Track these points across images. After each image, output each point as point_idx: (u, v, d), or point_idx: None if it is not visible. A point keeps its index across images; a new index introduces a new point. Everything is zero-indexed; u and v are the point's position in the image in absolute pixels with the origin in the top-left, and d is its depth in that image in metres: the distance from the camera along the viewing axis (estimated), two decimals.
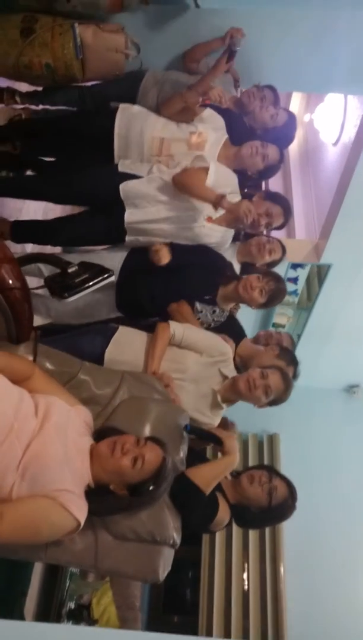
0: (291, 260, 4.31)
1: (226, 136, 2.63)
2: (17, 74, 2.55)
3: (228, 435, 2.00)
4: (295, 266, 4.39)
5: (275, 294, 2.47)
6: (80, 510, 1.45)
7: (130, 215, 2.45)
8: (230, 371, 2.26)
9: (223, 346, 2.26)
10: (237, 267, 2.68)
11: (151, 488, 1.55)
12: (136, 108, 2.62)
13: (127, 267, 2.45)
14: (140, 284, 2.42)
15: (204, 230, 2.47)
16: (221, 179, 2.47)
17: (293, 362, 2.49)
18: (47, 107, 3.21)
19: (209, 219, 2.47)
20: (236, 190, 2.54)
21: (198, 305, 2.42)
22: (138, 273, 2.45)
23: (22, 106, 3.16)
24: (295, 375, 2.49)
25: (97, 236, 2.59)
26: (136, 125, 2.54)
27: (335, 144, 4.59)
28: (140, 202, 2.44)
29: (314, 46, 2.91)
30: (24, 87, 3.02)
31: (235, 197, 2.51)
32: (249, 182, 2.63)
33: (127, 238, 2.50)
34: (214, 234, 2.50)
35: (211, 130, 2.56)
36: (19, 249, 2.88)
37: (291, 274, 4.44)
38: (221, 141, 2.59)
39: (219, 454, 2.00)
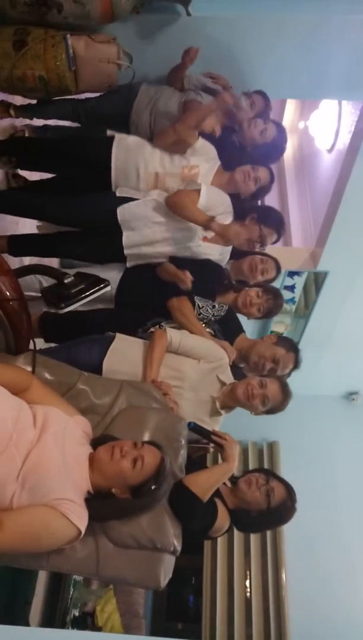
0: (288, 268, 4.33)
1: (218, 163, 2.67)
2: (10, 87, 2.57)
3: (231, 442, 2.01)
4: (291, 274, 4.41)
5: (272, 311, 2.58)
6: (80, 518, 1.46)
7: (127, 239, 2.49)
8: (227, 377, 2.27)
9: (219, 351, 2.27)
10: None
11: (153, 488, 1.57)
12: (131, 140, 2.65)
13: (125, 284, 2.51)
14: (139, 299, 2.47)
15: (201, 249, 2.52)
16: (213, 200, 2.51)
17: (293, 348, 2.48)
18: (48, 123, 3.25)
19: (205, 239, 2.53)
20: (228, 210, 2.58)
21: (198, 301, 2.44)
22: (136, 289, 2.50)
23: (23, 124, 3.19)
24: (297, 363, 2.47)
25: (98, 258, 2.64)
26: (132, 159, 2.58)
27: (330, 150, 4.61)
28: (136, 225, 2.49)
29: (307, 52, 2.92)
30: (18, 100, 3.05)
31: (227, 218, 2.56)
32: (243, 204, 2.67)
33: (128, 264, 2.56)
34: (212, 252, 2.55)
35: (203, 161, 2.61)
36: (16, 261, 2.90)
37: (288, 281, 4.46)
38: (213, 170, 2.64)
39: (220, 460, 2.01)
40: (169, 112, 2.78)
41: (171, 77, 2.92)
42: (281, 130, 2.85)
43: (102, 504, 1.55)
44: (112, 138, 2.63)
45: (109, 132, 2.67)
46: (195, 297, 2.43)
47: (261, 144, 2.77)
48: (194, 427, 2.03)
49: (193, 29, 2.82)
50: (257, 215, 2.56)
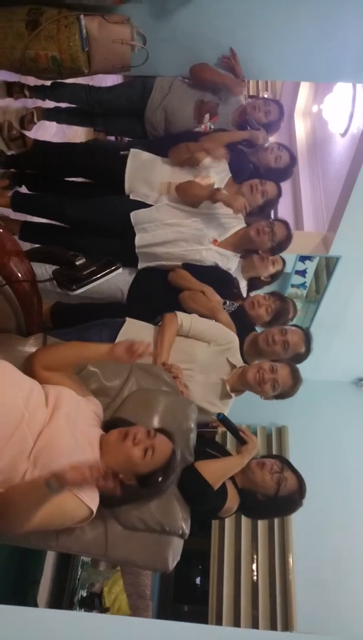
0: (299, 253, 4.31)
1: (229, 176, 2.76)
2: (23, 67, 2.55)
3: (255, 442, 2.02)
4: (303, 259, 4.38)
5: (280, 313, 2.60)
6: (92, 499, 1.47)
7: (140, 240, 2.55)
8: (237, 360, 2.28)
9: (229, 334, 2.28)
10: (243, 285, 2.78)
11: (159, 479, 1.57)
12: (145, 155, 2.73)
13: (137, 288, 2.55)
14: (150, 304, 2.47)
15: (211, 253, 2.56)
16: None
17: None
18: (60, 105, 3.24)
19: (216, 242, 2.57)
20: (238, 216, 2.63)
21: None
22: (147, 293, 2.54)
23: (34, 106, 3.18)
24: (309, 347, 2.47)
25: (109, 254, 2.64)
26: (145, 173, 2.68)
27: (344, 134, 4.56)
28: (149, 227, 2.55)
29: (322, 34, 2.88)
30: (31, 81, 3.03)
31: (239, 223, 2.64)
32: (250, 217, 2.72)
33: (139, 265, 2.60)
34: (220, 257, 2.59)
35: (214, 173, 2.68)
36: (27, 247, 2.90)
37: (300, 266, 4.43)
38: (224, 182, 2.72)
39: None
40: (183, 111, 2.91)
41: (199, 76, 2.98)
42: (293, 159, 2.96)
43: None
44: (126, 156, 2.71)
45: (122, 153, 2.74)
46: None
47: (273, 169, 2.88)
48: (223, 419, 2.05)
49: (207, 10, 2.79)
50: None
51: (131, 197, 2.66)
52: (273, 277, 2.80)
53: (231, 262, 2.65)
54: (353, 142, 4.05)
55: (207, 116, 2.88)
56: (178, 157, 2.67)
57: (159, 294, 2.51)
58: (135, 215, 2.57)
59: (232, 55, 2.93)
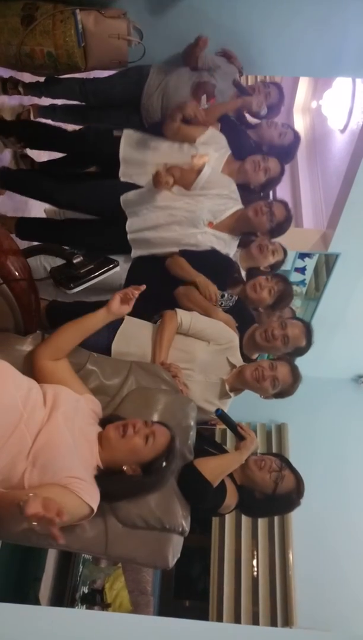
0: (298, 250, 4.30)
1: (228, 153, 2.66)
2: (19, 63, 2.53)
3: (253, 438, 2.02)
4: (302, 256, 4.37)
5: (283, 295, 2.52)
6: (92, 497, 1.47)
7: (131, 224, 2.48)
8: (237, 360, 2.26)
9: (230, 333, 2.26)
10: (242, 275, 2.68)
11: (163, 464, 1.58)
12: (139, 135, 2.65)
13: (133, 277, 2.46)
14: (148, 292, 2.42)
15: (207, 237, 2.47)
16: (218, 177, 2.52)
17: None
18: (55, 103, 3.22)
19: (211, 225, 2.49)
20: (234, 197, 2.56)
21: None
22: (144, 282, 2.45)
23: (30, 103, 3.16)
24: (310, 340, 2.43)
25: (103, 246, 2.59)
26: (139, 153, 2.59)
27: (343, 130, 4.53)
28: (140, 210, 2.47)
29: (321, 29, 2.86)
30: (26, 78, 3.01)
31: (235, 205, 2.55)
32: (252, 195, 2.66)
33: (132, 254, 2.53)
34: (217, 241, 2.50)
35: (212, 150, 2.59)
36: (25, 242, 2.89)
37: (299, 263, 4.42)
38: (223, 159, 2.63)
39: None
40: (180, 94, 2.78)
41: (185, 57, 2.89)
42: (297, 138, 2.86)
43: (112, 481, 1.56)
44: (119, 137, 2.63)
45: (116, 133, 2.66)
46: None
47: (277, 146, 2.79)
48: (221, 415, 2.04)
49: (205, 4, 2.76)
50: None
51: (122, 179, 2.57)
52: (273, 268, 2.69)
53: (229, 246, 2.55)
54: (353, 138, 4.03)
55: (204, 97, 2.80)
56: (170, 129, 2.55)
57: (156, 283, 2.41)
58: (125, 198, 2.48)
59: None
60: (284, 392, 2.23)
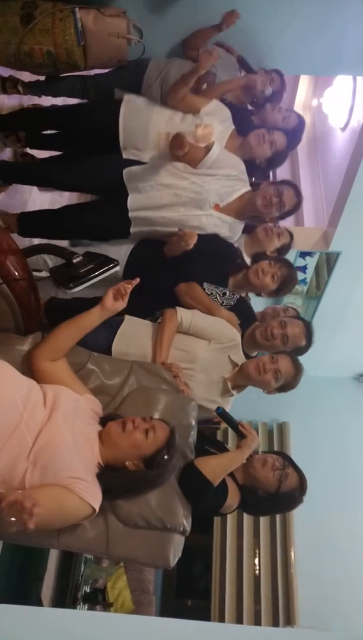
0: (299, 249, 4.28)
1: (232, 127, 2.58)
2: (18, 62, 2.53)
3: (254, 436, 2.00)
4: (303, 254, 4.36)
5: (287, 280, 2.44)
6: (94, 497, 1.47)
7: (133, 200, 2.39)
8: (239, 358, 2.24)
9: (231, 332, 2.24)
10: (247, 261, 2.61)
11: (165, 457, 1.59)
12: (140, 100, 2.58)
13: (134, 261, 2.41)
14: (149, 276, 2.38)
15: (212, 220, 2.40)
16: (226, 157, 2.42)
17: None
18: (56, 103, 3.21)
19: (217, 207, 2.40)
20: (243, 178, 2.47)
21: (206, 287, 2.36)
22: (145, 267, 2.38)
23: (30, 103, 3.15)
24: (310, 339, 2.40)
25: (104, 225, 2.54)
26: (140, 119, 2.50)
27: (344, 128, 4.52)
28: (143, 187, 2.38)
29: (322, 27, 2.86)
30: (26, 77, 3.00)
31: (243, 186, 2.45)
32: (258, 172, 2.60)
33: (131, 229, 2.45)
34: (222, 224, 2.43)
35: (217, 122, 2.50)
36: (26, 242, 2.88)
37: (300, 262, 4.41)
38: (227, 132, 2.54)
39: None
40: None
41: (190, 42, 2.83)
42: (302, 121, 2.77)
43: (115, 478, 1.56)
44: (120, 101, 2.56)
45: (117, 96, 2.59)
46: (204, 284, 2.36)
47: (282, 130, 2.68)
48: (222, 413, 2.03)
49: (205, 3, 2.76)
50: (273, 182, 2.50)
51: (124, 155, 2.48)
52: (280, 252, 2.58)
53: (233, 230, 2.47)
54: (354, 136, 4.02)
55: (205, 86, 2.78)
56: (175, 95, 2.46)
57: (155, 271, 2.37)
58: (128, 172, 2.39)
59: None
60: (287, 385, 2.21)
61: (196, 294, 2.30)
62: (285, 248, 2.59)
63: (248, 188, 2.48)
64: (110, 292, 1.68)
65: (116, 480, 1.57)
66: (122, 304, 1.69)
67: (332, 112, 4.77)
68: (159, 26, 2.81)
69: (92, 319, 1.70)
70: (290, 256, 4.14)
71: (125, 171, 2.40)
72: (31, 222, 2.68)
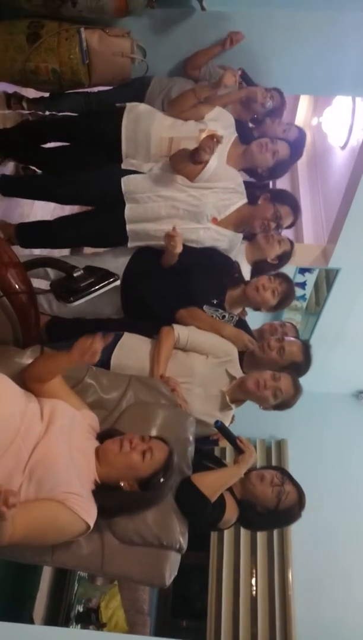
0: (299, 265, 4.30)
1: (235, 134, 2.58)
2: (24, 79, 2.57)
3: (252, 451, 1.99)
4: (303, 271, 4.37)
5: (286, 296, 2.43)
6: (88, 513, 1.46)
7: (130, 211, 2.37)
8: (237, 371, 2.24)
9: (228, 346, 2.25)
10: (247, 270, 2.59)
11: (161, 480, 1.56)
12: (142, 107, 2.57)
13: (131, 270, 2.39)
14: (146, 287, 2.37)
15: (209, 233, 2.39)
16: (224, 169, 2.42)
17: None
18: (54, 113, 3.24)
19: (215, 220, 2.40)
20: (240, 190, 2.47)
21: (206, 310, 2.35)
22: (142, 276, 2.38)
23: (28, 111, 3.18)
24: (308, 359, 2.40)
25: (102, 235, 2.53)
26: (142, 125, 2.49)
27: (343, 147, 4.57)
28: (141, 197, 2.37)
29: (321, 48, 2.91)
30: (31, 93, 3.04)
31: (240, 199, 2.46)
32: (259, 181, 2.59)
33: (129, 244, 2.44)
34: (221, 238, 2.43)
35: (221, 127, 2.48)
36: (26, 252, 2.89)
37: (299, 278, 4.42)
38: (230, 139, 2.53)
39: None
40: None
41: (192, 61, 2.87)
42: (302, 134, 2.77)
43: (109, 497, 1.55)
44: (123, 108, 2.55)
45: (119, 104, 2.60)
46: (204, 307, 2.34)
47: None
48: (220, 427, 2.02)
49: (207, 24, 2.82)
50: (271, 195, 2.47)
51: (123, 166, 2.48)
52: (281, 259, 2.55)
53: (231, 243, 2.46)
54: (353, 154, 4.06)
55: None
56: (181, 105, 2.48)
57: (154, 278, 2.36)
58: (126, 181, 2.38)
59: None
60: (284, 404, 2.21)
61: (198, 316, 2.29)
62: (286, 256, 2.56)
63: (245, 200, 2.48)
64: (79, 347, 1.57)
65: (111, 500, 1.55)
66: (90, 360, 1.58)
67: (332, 131, 4.82)
68: (162, 46, 2.87)
69: (60, 364, 1.63)
70: (289, 272, 4.15)
71: (123, 179, 2.39)
72: (30, 232, 2.67)
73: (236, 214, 2.44)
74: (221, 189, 2.39)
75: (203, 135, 2.34)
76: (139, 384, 1.93)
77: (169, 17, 2.82)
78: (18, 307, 1.63)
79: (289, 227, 2.53)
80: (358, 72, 3.00)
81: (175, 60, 2.95)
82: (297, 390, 2.20)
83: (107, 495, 1.54)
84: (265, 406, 2.21)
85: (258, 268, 2.58)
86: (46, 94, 3.07)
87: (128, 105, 2.57)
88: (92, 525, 1.47)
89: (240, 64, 2.95)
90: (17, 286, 1.60)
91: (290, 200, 2.52)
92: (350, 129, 4.40)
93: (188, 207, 2.35)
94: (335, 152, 4.81)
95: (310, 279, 4.44)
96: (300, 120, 5.90)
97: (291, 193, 2.65)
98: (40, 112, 3.17)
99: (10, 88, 3.03)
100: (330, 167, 4.97)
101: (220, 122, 2.52)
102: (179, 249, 2.22)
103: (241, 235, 2.52)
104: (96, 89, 2.89)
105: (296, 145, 2.66)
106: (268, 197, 2.47)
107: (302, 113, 5.87)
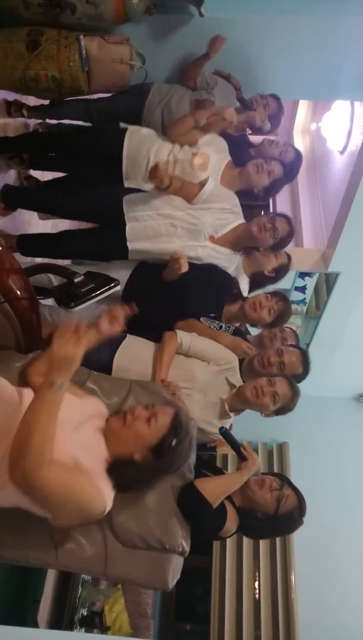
0: (299, 269, 4.32)
1: (229, 158, 2.65)
2: (24, 87, 2.59)
3: (255, 459, 2.00)
4: (302, 275, 4.39)
5: (283, 314, 2.50)
6: (106, 493, 1.43)
7: (131, 230, 2.43)
8: (237, 380, 2.26)
9: (229, 354, 2.26)
10: (246, 282, 2.65)
11: (173, 443, 1.54)
12: (144, 131, 2.64)
13: (132, 284, 2.43)
14: (146, 300, 2.36)
15: (207, 251, 2.45)
16: (220, 191, 2.50)
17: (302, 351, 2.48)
18: (61, 122, 3.27)
19: (212, 238, 2.45)
20: (236, 211, 2.54)
21: (204, 322, 2.39)
22: (143, 290, 2.42)
23: (37, 121, 3.20)
24: (307, 368, 2.42)
25: (103, 250, 2.58)
26: (143, 149, 2.56)
27: (342, 152, 4.59)
28: (141, 216, 2.43)
29: (320, 53, 2.92)
30: (31, 101, 3.06)
31: (236, 219, 2.53)
32: (254, 201, 2.65)
33: (129, 258, 2.49)
34: (217, 255, 2.48)
35: (213, 152, 2.57)
36: (28, 260, 2.91)
37: (299, 282, 4.44)
38: (223, 163, 2.61)
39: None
40: (181, 110, 2.78)
41: (185, 73, 2.91)
42: (299, 156, 2.83)
43: (126, 470, 1.51)
44: (125, 130, 2.61)
45: (122, 125, 2.65)
46: (201, 319, 2.38)
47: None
48: (225, 433, 2.02)
49: (205, 30, 2.82)
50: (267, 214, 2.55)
51: (126, 185, 2.55)
52: (278, 273, 2.62)
53: (229, 261, 2.52)
54: (352, 159, 4.08)
55: (204, 122, 2.84)
56: (181, 128, 2.54)
57: (155, 290, 2.41)
58: (128, 200, 2.44)
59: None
60: (285, 408, 2.22)
61: (196, 327, 2.32)
62: (283, 269, 2.63)
63: (241, 221, 2.54)
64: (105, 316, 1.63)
65: (128, 473, 1.51)
66: (118, 328, 1.64)
67: (331, 136, 4.85)
68: (161, 53, 2.89)
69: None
70: (290, 276, 4.17)
71: (125, 198, 2.45)
72: (31, 243, 2.73)
73: (232, 232, 2.50)
74: (218, 209, 2.47)
75: (195, 158, 2.44)
76: (140, 389, 1.94)
77: (168, 24, 2.84)
78: (19, 313, 1.64)
79: (286, 238, 2.55)
80: (357, 77, 3.01)
81: (174, 66, 2.96)
82: (295, 392, 2.21)
83: (123, 470, 1.51)
84: (267, 413, 2.22)
85: (256, 281, 2.64)
86: (47, 102, 3.09)
87: (130, 127, 2.63)
88: (108, 506, 1.43)
89: (238, 70, 2.97)
90: (18, 292, 1.61)
91: (285, 216, 2.58)
92: (348, 133, 4.43)
93: (186, 226, 2.41)
94: (334, 157, 4.83)
95: (310, 283, 4.46)
96: (299, 125, 5.93)
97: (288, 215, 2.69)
98: (41, 120, 3.19)
99: (11, 96, 3.05)
100: (329, 172, 5.00)
101: (213, 146, 2.59)
102: (184, 270, 2.28)
103: (238, 255, 2.58)
104: (95, 96, 2.91)
105: (292, 167, 2.74)
106: (264, 213, 2.59)
107: (301, 118, 5.89)
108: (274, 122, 2.96)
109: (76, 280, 1.57)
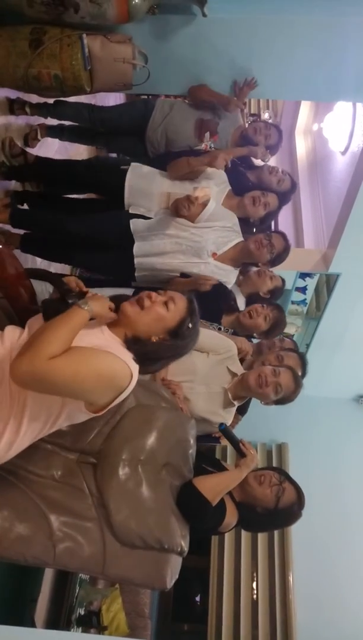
0: (300, 270, 4.33)
1: (228, 188, 2.77)
2: (26, 85, 2.58)
3: (254, 455, 2.01)
4: (303, 275, 4.40)
5: (278, 323, 2.60)
6: (130, 361, 1.43)
7: (138, 248, 2.54)
8: (237, 368, 2.30)
9: (228, 342, 2.30)
10: (242, 302, 2.76)
11: (190, 326, 1.55)
12: (145, 168, 2.75)
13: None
14: None
15: (209, 267, 2.54)
16: (221, 211, 2.62)
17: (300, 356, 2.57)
18: (63, 123, 3.28)
19: (214, 255, 2.56)
20: (236, 230, 2.65)
21: (203, 323, 2.42)
22: None
23: (37, 123, 3.21)
24: (305, 371, 2.51)
25: (110, 266, 2.70)
26: (144, 183, 2.68)
27: (344, 152, 4.60)
28: (148, 235, 2.55)
29: (322, 54, 2.92)
30: (34, 98, 3.07)
31: (237, 237, 2.64)
32: (250, 229, 2.76)
33: (136, 274, 2.58)
34: (219, 272, 2.57)
35: (213, 185, 2.70)
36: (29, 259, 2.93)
37: (300, 283, 4.45)
38: (224, 193, 2.75)
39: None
40: (183, 130, 2.94)
41: (195, 96, 3.02)
42: (294, 186, 2.95)
43: (145, 345, 1.51)
44: (126, 169, 2.73)
45: (123, 167, 2.76)
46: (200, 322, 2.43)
47: (274, 191, 2.85)
48: (224, 430, 2.04)
49: (208, 30, 2.83)
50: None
51: (131, 211, 2.66)
52: (272, 294, 2.77)
53: (229, 277, 2.63)
54: (354, 159, 4.08)
55: (208, 134, 2.92)
56: (177, 172, 2.69)
57: None
58: (134, 223, 2.56)
59: (246, 85, 3.00)
60: (285, 399, 2.25)
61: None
62: (278, 291, 2.79)
63: (241, 238, 2.65)
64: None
65: (147, 348, 1.50)
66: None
67: (332, 137, 4.86)
68: (164, 52, 2.88)
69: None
70: (290, 277, 4.18)
71: (132, 222, 2.57)
72: (34, 245, 2.79)
73: (233, 250, 2.62)
74: (220, 227, 2.59)
75: (197, 192, 2.58)
76: (140, 388, 1.93)
77: (171, 24, 2.84)
78: (20, 313, 1.63)
79: (282, 254, 2.65)
80: (359, 78, 3.01)
81: (176, 66, 2.96)
82: (297, 385, 2.24)
83: (142, 345, 1.50)
84: (267, 402, 2.25)
85: (252, 301, 2.75)
86: (50, 100, 3.10)
87: (132, 165, 2.74)
88: (135, 375, 1.43)
89: (241, 71, 2.98)
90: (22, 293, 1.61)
91: (281, 233, 2.71)
92: (350, 134, 4.43)
93: (190, 244, 2.53)
94: (336, 158, 4.84)
95: (311, 283, 4.46)
96: (301, 126, 5.94)
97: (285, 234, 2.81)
98: (43, 118, 3.19)
99: (13, 94, 3.05)
100: (330, 173, 5.00)
101: (213, 179, 2.73)
102: (208, 289, 2.40)
103: (237, 271, 2.69)
104: (99, 102, 2.94)
105: (286, 195, 2.88)
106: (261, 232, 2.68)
107: (303, 118, 5.90)
108: (273, 151, 3.09)
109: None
